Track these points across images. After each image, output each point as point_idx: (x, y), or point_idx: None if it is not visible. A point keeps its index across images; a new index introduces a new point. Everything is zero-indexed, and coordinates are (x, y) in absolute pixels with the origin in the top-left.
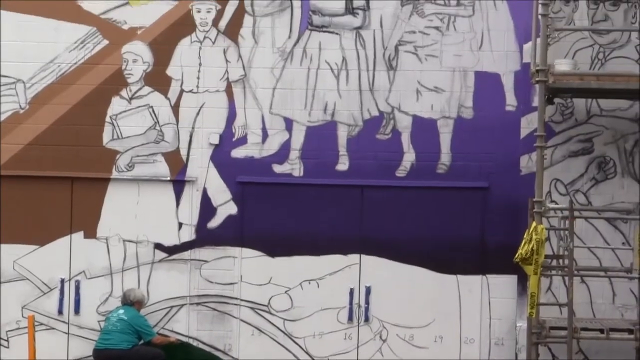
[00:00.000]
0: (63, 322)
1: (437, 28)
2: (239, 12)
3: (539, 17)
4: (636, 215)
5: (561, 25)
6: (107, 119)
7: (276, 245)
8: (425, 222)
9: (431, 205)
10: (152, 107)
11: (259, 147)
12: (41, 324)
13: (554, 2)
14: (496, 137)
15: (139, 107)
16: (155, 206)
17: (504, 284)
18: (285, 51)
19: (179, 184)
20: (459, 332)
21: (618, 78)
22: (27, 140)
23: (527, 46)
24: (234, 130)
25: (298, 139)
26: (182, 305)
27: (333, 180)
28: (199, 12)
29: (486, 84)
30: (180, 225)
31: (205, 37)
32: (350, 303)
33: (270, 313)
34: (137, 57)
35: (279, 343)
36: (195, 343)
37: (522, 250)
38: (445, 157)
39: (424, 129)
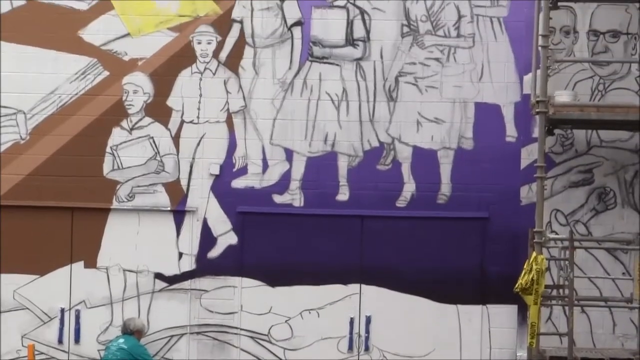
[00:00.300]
0: (63, 351)
1: (437, 59)
2: (240, 44)
3: (539, 48)
4: (636, 246)
5: (561, 56)
6: (108, 149)
7: (276, 274)
8: (425, 252)
9: (431, 235)
10: (152, 137)
11: (259, 177)
12: (41, 353)
13: (554, 33)
14: (496, 168)
15: (140, 137)
16: (156, 236)
17: (504, 314)
18: (286, 82)
19: (179, 214)
20: None
21: (618, 109)
22: (28, 170)
23: (528, 77)
24: (234, 161)
25: (298, 170)
26: (182, 335)
27: (333, 210)
28: (199, 43)
29: (486, 115)
30: (180, 255)
31: (205, 68)
32: (351, 332)
33: (271, 342)
34: (137, 88)
35: None
36: None
37: (523, 280)
38: (446, 188)
39: (424, 159)
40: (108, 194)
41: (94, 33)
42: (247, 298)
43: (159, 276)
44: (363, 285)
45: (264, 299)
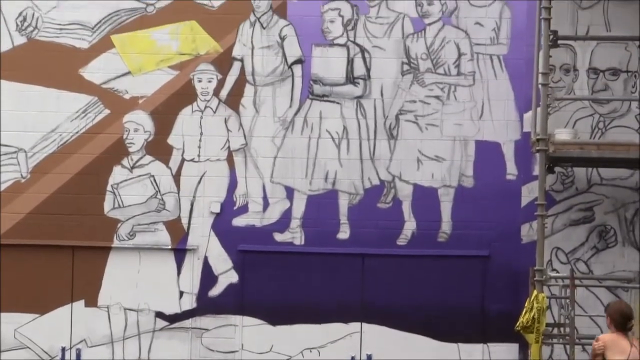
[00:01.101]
0: None
1: (437, 97)
2: (240, 82)
3: (539, 86)
4: (637, 284)
5: (561, 94)
6: (109, 187)
7: (277, 313)
8: (426, 291)
9: (432, 273)
10: (153, 176)
11: (260, 215)
12: None
13: (554, 71)
14: (497, 206)
15: (140, 176)
16: (157, 274)
17: (505, 352)
18: (286, 120)
19: (180, 252)
20: None
21: (618, 147)
22: (29, 209)
23: (528, 115)
24: (235, 199)
25: (299, 208)
26: None
27: (334, 248)
28: (200, 81)
29: (487, 153)
30: (181, 293)
31: (206, 107)
32: None
33: None
34: (138, 126)
35: None
36: None
37: (524, 318)
38: (446, 226)
39: (425, 197)
40: (109, 233)
41: (95, 71)
42: (248, 337)
43: (159, 315)
44: (364, 324)
45: (265, 338)
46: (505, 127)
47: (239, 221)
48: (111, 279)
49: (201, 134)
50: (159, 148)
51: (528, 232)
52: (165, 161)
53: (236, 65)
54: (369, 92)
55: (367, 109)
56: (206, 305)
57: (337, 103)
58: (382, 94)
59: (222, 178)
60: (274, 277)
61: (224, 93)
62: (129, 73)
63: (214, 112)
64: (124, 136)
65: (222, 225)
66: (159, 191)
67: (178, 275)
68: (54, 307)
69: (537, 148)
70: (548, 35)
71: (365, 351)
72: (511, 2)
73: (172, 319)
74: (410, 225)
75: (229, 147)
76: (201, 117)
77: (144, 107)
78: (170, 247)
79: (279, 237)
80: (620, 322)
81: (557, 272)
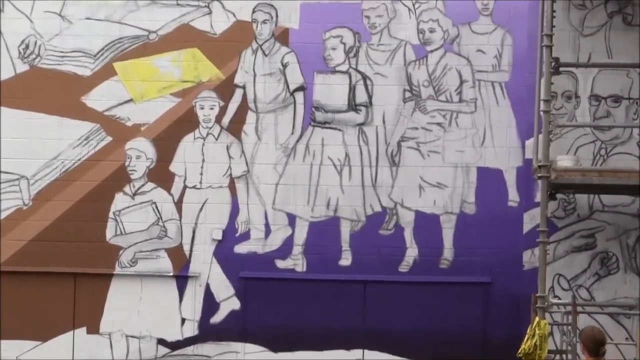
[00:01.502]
0: None
1: (439, 124)
2: (242, 109)
3: (541, 113)
4: (639, 311)
5: (563, 121)
6: (110, 215)
7: (279, 340)
8: (428, 317)
9: (434, 300)
10: (155, 203)
11: (261, 242)
12: None
13: (556, 98)
14: (499, 233)
15: (142, 203)
16: (158, 302)
17: None
18: (288, 147)
19: (182, 279)
20: None
21: (620, 174)
22: (31, 236)
23: (530, 142)
24: (237, 226)
25: (301, 235)
26: None
27: (336, 275)
28: (202, 108)
29: (489, 180)
30: (183, 320)
31: (208, 134)
32: None
33: None
34: (140, 154)
35: None
36: None
37: (525, 345)
38: (448, 252)
39: (426, 224)
40: (111, 260)
41: (97, 99)
42: None
43: (161, 342)
44: (366, 351)
45: None
46: (507, 154)
47: (241, 248)
48: (113, 306)
49: (203, 160)
50: (161, 175)
51: (530, 258)
52: (167, 188)
53: (238, 93)
54: (371, 119)
55: (369, 135)
56: (208, 332)
57: (339, 130)
58: (384, 121)
59: (224, 205)
60: (275, 304)
61: (226, 120)
62: (131, 100)
63: (216, 139)
64: (126, 163)
65: (224, 252)
66: (161, 218)
67: (180, 302)
68: (56, 334)
69: (539, 175)
70: (550, 62)
71: None
72: (513, 30)
73: (175, 346)
74: (412, 252)
75: (230, 174)
76: (203, 144)
77: (146, 134)
78: (172, 274)
79: (280, 264)
80: (593, 348)
81: (559, 298)
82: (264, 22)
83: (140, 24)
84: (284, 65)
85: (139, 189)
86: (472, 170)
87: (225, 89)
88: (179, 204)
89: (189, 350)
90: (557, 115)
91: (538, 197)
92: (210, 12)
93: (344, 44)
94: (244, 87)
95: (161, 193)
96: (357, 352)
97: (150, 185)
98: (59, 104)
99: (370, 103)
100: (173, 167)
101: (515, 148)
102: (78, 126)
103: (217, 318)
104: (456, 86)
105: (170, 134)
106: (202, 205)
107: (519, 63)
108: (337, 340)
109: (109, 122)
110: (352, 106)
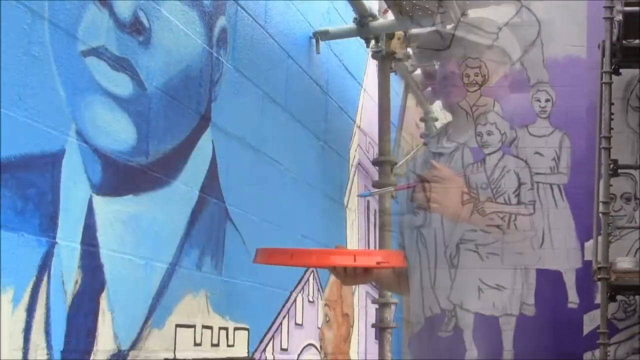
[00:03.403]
0: None
1: (498, 226)
2: None
3: (600, 215)
4: None
5: (622, 223)
6: None
7: None
8: None
9: None
10: None
11: None
12: None
13: (615, 200)
14: (559, 334)
15: None
16: None
17: None
18: None
19: None
20: None
21: None
22: None
23: (589, 244)
24: None
25: None
26: None
27: None
28: None
29: (548, 282)
30: None
31: None
32: None
33: None
34: None
35: None
36: None
37: None
38: (508, 355)
39: (485, 326)
40: None
41: None
42: None
43: None
44: None
45: None
46: (566, 256)
47: None
48: None
49: None
50: None
51: None
52: None
53: None
54: (429, 222)
55: (428, 238)
56: None
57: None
58: (442, 223)
59: None
60: None
61: None
62: None
63: None
64: None
65: None
66: None
67: None
68: None
69: (599, 276)
70: (608, 164)
71: None
72: (571, 132)
73: None
74: (471, 355)
75: None
76: None
77: None
78: None
79: None
80: None
81: None
82: None
83: None
84: None
85: None
86: (531, 272)
87: None
88: None
89: None
90: (617, 217)
91: (598, 299)
92: None
93: None
94: None
95: None
96: None
97: None
98: None
99: (428, 206)
100: None
101: (574, 250)
102: None
103: None
104: (514, 188)
105: None
106: None
107: (577, 165)
108: None
109: None
110: (410, 209)
